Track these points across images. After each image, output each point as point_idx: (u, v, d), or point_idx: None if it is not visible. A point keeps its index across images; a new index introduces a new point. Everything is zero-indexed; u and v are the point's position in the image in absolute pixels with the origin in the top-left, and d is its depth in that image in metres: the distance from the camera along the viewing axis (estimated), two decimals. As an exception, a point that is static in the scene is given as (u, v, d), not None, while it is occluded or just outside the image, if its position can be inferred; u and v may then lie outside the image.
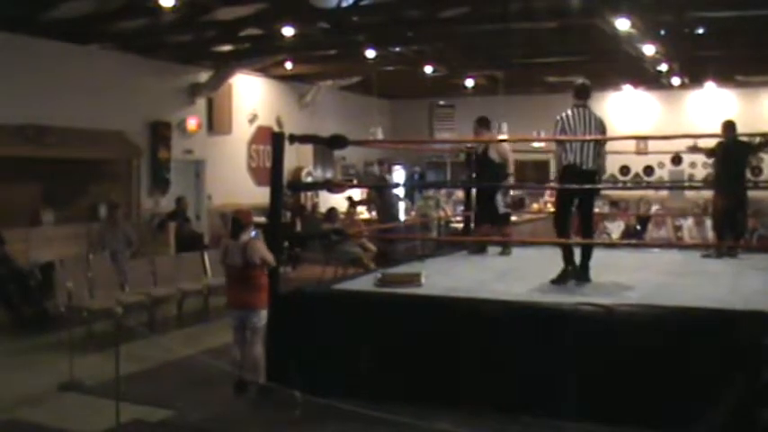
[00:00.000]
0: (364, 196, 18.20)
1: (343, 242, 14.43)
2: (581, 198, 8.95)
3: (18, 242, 12.94)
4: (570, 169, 8.63)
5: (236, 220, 8.85)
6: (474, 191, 12.72)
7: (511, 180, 12.21)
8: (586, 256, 8.85)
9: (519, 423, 7.35)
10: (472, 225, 12.77)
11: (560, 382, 7.41)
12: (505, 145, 11.83)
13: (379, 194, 16.60)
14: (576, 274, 8.77)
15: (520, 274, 9.89)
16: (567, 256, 8.82)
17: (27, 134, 13.23)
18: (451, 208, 18.80)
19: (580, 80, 9.17)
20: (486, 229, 11.85)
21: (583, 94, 8.90)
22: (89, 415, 7.94)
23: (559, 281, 8.72)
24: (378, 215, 15.93)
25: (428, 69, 18.48)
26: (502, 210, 11.79)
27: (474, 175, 12.31)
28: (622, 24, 12.69)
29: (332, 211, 16.75)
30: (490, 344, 7.75)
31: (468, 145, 13.15)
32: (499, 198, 11.77)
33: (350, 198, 17.87)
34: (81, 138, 14.13)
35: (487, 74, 20.07)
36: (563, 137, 8.70)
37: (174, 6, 12.34)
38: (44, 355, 10.55)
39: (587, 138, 8.69)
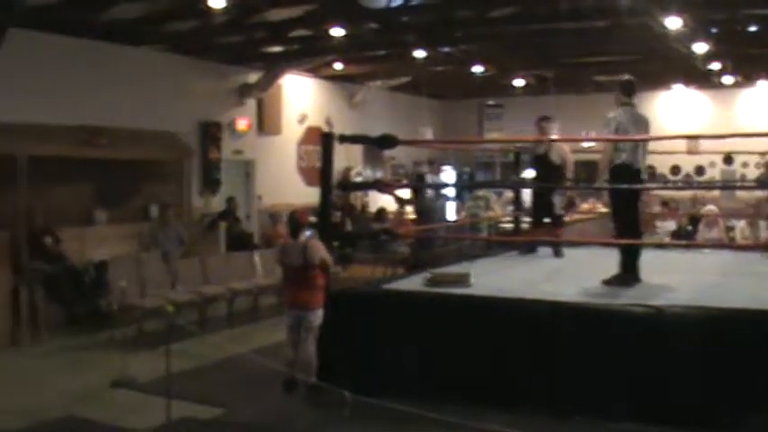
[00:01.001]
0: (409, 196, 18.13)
1: (392, 242, 14.43)
2: (632, 197, 8.87)
3: (72, 241, 13.11)
4: (622, 168, 8.54)
5: (295, 221, 8.87)
6: (529, 191, 12.65)
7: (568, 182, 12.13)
8: (635, 256, 8.75)
9: (569, 424, 7.31)
10: (525, 225, 12.71)
11: (610, 384, 7.35)
12: (566, 147, 11.68)
13: (417, 195, 16.50)
14: (631, 277, 8.67)
15: (569, 274, 9.83)
16: (626, 258, 8.71)
17: (81, 135, 13.38)
18: (501, 208, 18.70)
19: (626, 77, 9.06)
20: (542, 230, 11.78)
21: (631, 92, 8.81)
22: (141, 412, 8.02)
23: (613, 282, 8.61)
24: (417, 216, 15.82)
25: (477, 69, 18.41)
26: (558, 211, 11.74)
27: (533, 176, 12.19)
28: (673, 23, 12.53)
29: (381, 210, 16.78)
30: (539, 344, 7.71)
31: (518, 144, 13.07)
32: (557, 200, 11.72)
33: (397, 197, 17.84)
34: (133, 138, 14.27)
35: (537, 73, 19.96)
36: (618, 137, 8.59)
37: (224, 8, 12.44)
38: (97, 353, 10.69)
39: (643, 137, 8.62)
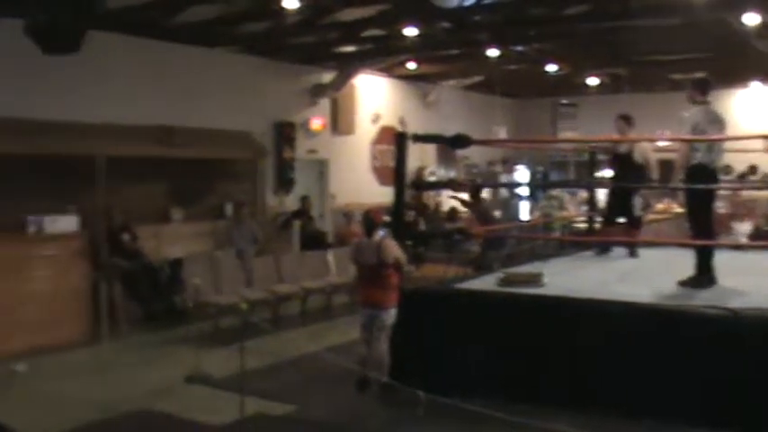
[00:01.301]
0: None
1: (465, 241, 14.37)
2: (710, 197, 8.71)
3: (149, 239, 13.31)
4: (698, 169, 8.39)
5: (369, 220, 8.89)
6: (605, 191, 12.47)
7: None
8: (710, 257, 8.59)
9: (641, 427, 7.22)
10: (598, 225, 12.56)
11: (683, 387, 7.24)
12: (649, 146, 11.46)
13: (474, 196, 16.30)
14: (707, 278, 8.52)
15: (643, 275, 9.69)
16: (701, 260, 8.56)
17: (157, 135, 13.57)
18: (575, 208, 18.52)
19: (700, 75, 8.89)
20: (616, 230, 11.61)
21: (706, 90, 8.65)
22: (214, 407, 8.11)
23: (688, 284, 8.47)
24: (477, 219, 15.62)
25: (551, 68, 18.26)
26: (638, 213, 11.55)
27: (612, 175, 11.95)
28: (750, 19, 12.27)
29: (454, 210, 16.71)
30: (611, 345, 7.61)
31: (593, 143, 12.91)
32: (637, 201, 11.54)
33: (459, 199, 17.74)
34: (208, 138, 14.43)
35: (610, 72, 19.71)
36: (694, 136, 8.44)
37: (298, 8, 12.52)
38: (173, 349, 10.85)
39: (720, 137, 8.47)
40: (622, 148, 11.15)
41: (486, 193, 19.35)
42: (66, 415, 7.94)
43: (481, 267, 12.37)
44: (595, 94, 21.71)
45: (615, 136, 11.57)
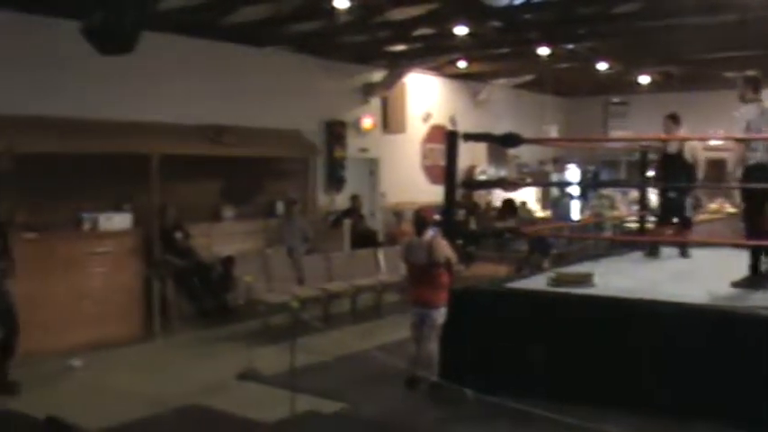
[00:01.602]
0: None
1: (516, 240, 14.33)
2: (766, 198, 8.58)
3: (201, 237, 13.43)
4: (756, 168, 8.27)
5: (420, 219, 8.90)
6: (656, 191, 12.34)
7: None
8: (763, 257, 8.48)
9: (692, 429, 7.14)
10: (650, 225, 12.43)
11: (736, 389, 7.15)
12: (699, 145, 11.30)
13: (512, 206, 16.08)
14: (762, 279, 8.41)
15: (696, 275, 9.60)
16: (756, 260, 8.45)
17: (208, 134, 13.69)
18: (626, 208, 18.35)
19: (751, 73, 8.75)
20: (667, 230, 11.47)
21: (759, 88, 8.53)
22: (265, 404, 8.18)
23: (743, 284, 8.36)
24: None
25: (602, 66, 18.12)
26: (689, 213, 11.40)
27: (659, 175, 11.76)
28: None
29: (507, 208, 16.64)
30: (663, 346, 7.55)
31: (645, 142, 12.77)
32: (688, 201, 11.40)
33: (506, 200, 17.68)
34: (259, 137, 14.52)
35: (662, 70, 19.50)
36: (748, 135, 8.32)
37: (348, 8, 12.56)
38: (224, 346, 10.96)
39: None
40: (671, 148, 10.99)
41: (536, 193, 19.31)
42: (120, 409, 8.05)
43: (525, 267, 12.31)
44: (647, 93, 21.48)
45: (662, 135, 11.42)
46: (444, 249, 8.59)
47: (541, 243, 14.56)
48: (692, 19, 12.97)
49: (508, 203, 17.38)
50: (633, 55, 17.50)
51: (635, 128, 22.16)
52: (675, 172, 10.91)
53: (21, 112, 11.05)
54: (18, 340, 9.04)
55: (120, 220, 11.60)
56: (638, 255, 11.44)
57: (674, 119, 11.09)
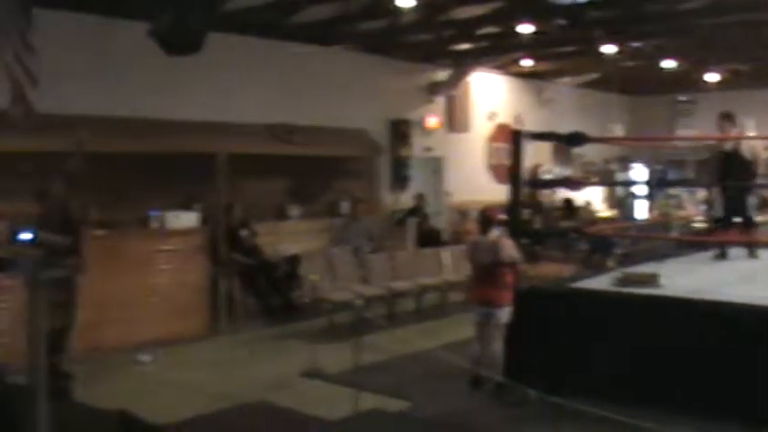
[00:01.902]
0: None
1: (581, 240, 14.23)
2: None
3: (267, 235, 13.55)
4: None
5: (486, 218, 8.89)
6: (719, 191, 12.10)
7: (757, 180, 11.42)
8: None
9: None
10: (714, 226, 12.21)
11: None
12: (758, 143, 11.07)
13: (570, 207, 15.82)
14: None
15: (765, 276, 9.42)
16: None
17: (275, 133, 13.81)
18: (693, 207, 18.08)
19: None
20: (733, 233, 11.21)
21: None
22: (329, 402, 8.21)
23: None
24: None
25: (668, 64, 17.88)
26: (750, 212, 11.15)
27: (717, 174, 11.50)
28: None
29: (569, 206, 16.54)
30: (732, 349, 7.42)
31: (711, 142, 12.54)
32: (751, 200, 11.15)
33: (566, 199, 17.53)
34: (325, 136, 14.60)
35: (731, 68, 19.18)
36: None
37: (413, 7, 12.58)
38: (289, 343, 11.04)
39: None
40: (728, 146, 10.75)
41: (602, 192, 19.13)
42: (187, 404, 8.17)
43: (586, 268, 12.20)
44: (715, 91, 21.15)
45: (730, 134, 11.15)
46: (509, 249, 8.56)
47: (603, 243, 14.41)
48: (761, 15, 12.74)
49: (567, 203, 17.26)
50: (700, 52, 17.25)
51: (702, 126, 21.77)
52: (733, 170, 10.66)
53: (93, 112, 11.27)
54: (72, 336, 9.18)
55: (187, 219, 11.75)
56: (705, 255, 11.24)
57: (728, 117, 10.83)
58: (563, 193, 18.00)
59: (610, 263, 13.59)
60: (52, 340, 8.25)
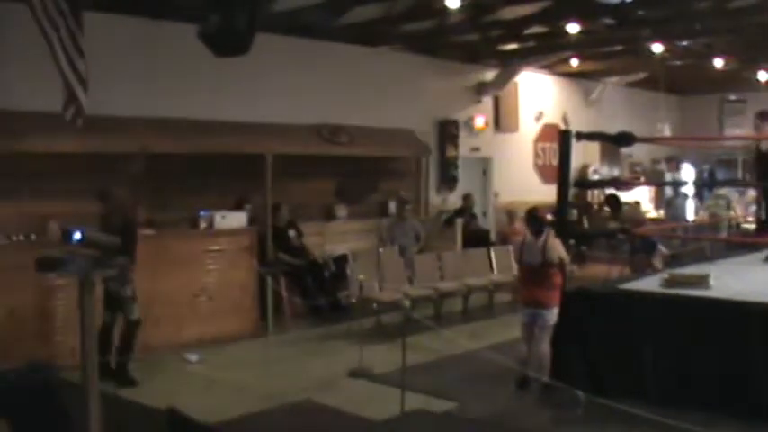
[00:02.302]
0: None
1: (628, 241, 14.11)
2: None
3: (314, 235, 13.61)
4: None
5: (537, 219, 8.87)
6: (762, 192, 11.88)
7: None
8: None
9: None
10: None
11: None
12: None
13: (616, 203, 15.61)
14: None
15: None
16: None
17: (322, 133, 13.87)
18: (743, 208, 17.82)
19: None
20: None
21: None
22: (376, 401, 8.24)
23: None
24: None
25: (718, 63, 17.68)
26: None
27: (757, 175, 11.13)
28: None
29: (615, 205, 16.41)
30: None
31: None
32: None
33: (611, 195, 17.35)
34: (372, 136, 14.63)
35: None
36: None
37: (460, 7, 12.56)
38: (336, 343, 11.07)
39: None
40: (765, 146, 10.44)
41: (650, 192, 18.94)
42: (235, 403, 8.23)
43: (630, 269, 12.08)
44: (766, 90, 20.85)
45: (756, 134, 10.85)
46: (558, 249, 8.53)
47: (646, 243, 14.25)
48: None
49: (611, 199, 17.11)
50: (750, 51, 17.04)
51: (752, 126, 21.56)
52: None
53: (143, 114, 11.43)
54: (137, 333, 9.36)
55: (234, 219, 11.80)
56: (756, 257, 11.06)
57: (762, 117, 10.52)
58: (608, 191, 17.83)
59: (656, 263, 13.45)
60: (127, 334, 9.21)
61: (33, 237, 10.20)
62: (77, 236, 3.53)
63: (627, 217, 16.22)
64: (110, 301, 9.06)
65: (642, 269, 12.55)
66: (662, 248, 14.52)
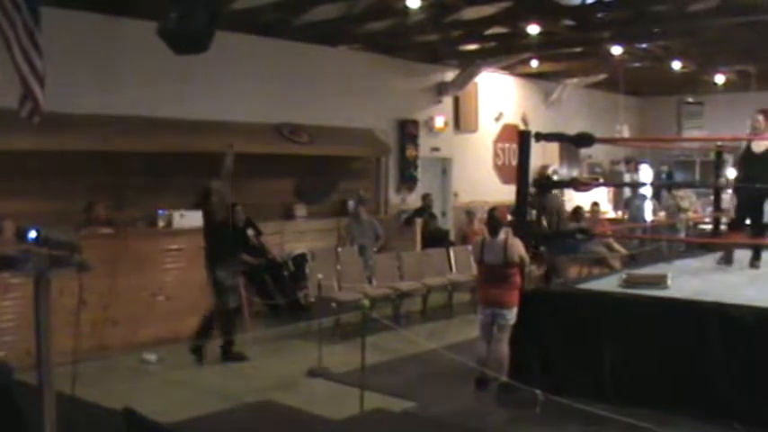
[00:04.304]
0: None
1: (588, 241, 14.20)
2: None
3: (273, 234, 13.56)
4: None
5: (495, 219, 8.94)
6: (731, 192, 11.82)
7: None
8: None
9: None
10: (722, 227, 12.04)
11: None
12: None
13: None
14: None
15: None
16: None
17: (282, 132, 13.83)
18: (700, 209, 17.99)
19: None
20: (742, 236, 10.67)
21: None
22: (335, 401, 8.25)
23: None
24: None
25: (676, 65, 17.86)
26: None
27: (739, 175, 10.90)
28: None
29: (578, 209, 16.51)
30: (739, 353, 7.40)
31: (720, 143, 12.40)
32: None
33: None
34: (332, 135, 14.62)
35: (738, 69, 19.13)
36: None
37: (420, 7, 12.58)
38: (295, 343, 11.07)
39: None
40: (758, 147, 10.16)
41: (609, 193, 19.06)
42: (192, 403, 8.18)
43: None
44: (722, 92, 21.09)
45: (742, 135, 10.74)
46: (519, 249, 8.56)
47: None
48: (769, 16, 12.70)
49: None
50: (709, 54, 17.23)
51: (710, 128, 21.82)
52: (756, 173, 9.97)
53: (100, 111, 11.36)
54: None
55: (193, 218, 11.72)
56: (712, 257, 11.05)
57: (762, 113, 10.26)
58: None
59: (618, 265, 13.55)
60: (230, 318, 10.23)
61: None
62: (32, 234, 3.48)
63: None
64: (218, 291, 10.02)
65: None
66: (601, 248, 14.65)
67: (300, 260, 13.01)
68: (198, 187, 12.26)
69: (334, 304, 11.55)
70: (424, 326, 12.32)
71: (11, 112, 8.51)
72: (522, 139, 9.33)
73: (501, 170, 19.31)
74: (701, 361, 7.56)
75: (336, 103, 14.88)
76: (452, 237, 16.85)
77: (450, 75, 17.88)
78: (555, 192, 13.61)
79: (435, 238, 15.74)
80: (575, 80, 20.98)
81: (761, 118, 10.20)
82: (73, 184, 11.35)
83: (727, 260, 10.57)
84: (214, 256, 10.11)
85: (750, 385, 7.28)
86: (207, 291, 11.46)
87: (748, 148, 10.16)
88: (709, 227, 13.89)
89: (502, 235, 8.67)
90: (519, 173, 9.29)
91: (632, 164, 22.83)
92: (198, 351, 10.10)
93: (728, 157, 12.91)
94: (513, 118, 19.73)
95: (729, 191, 12.47)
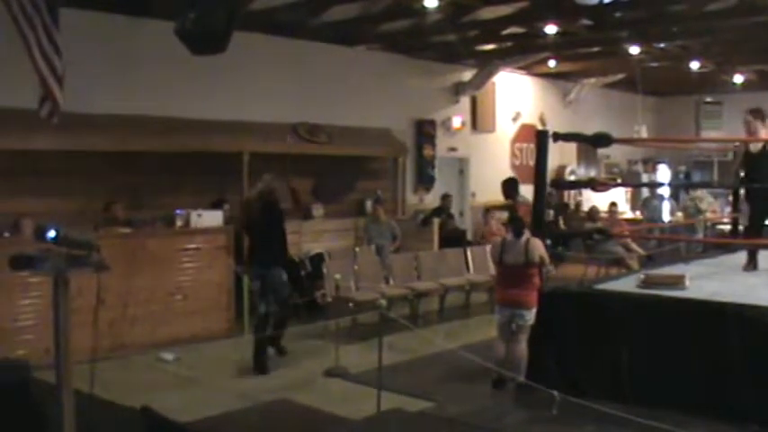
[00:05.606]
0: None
1: (605, 241, 14.17)
2: None
3: (291, 234, 13.52)
4: None
5: (517, 219, 8.90)
6: (743, 193, 11.67)
7: None
8: None
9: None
10: (740, 228, 11.92)
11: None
12: None
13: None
14: None
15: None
16: None
17: (300, 132, 13.84)
18: (719, 209, 17.89)
19: None
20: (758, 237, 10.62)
21: None
22: (352, 401, 8.24)
23: None
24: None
25: (694, 65, 17.78)
26: None
27: (743, 175, 10.81)
28: None
29: (594, 209, 16.48)
30: (757, 353, 7.35)
31: (737, 144, 12.31)
32: None
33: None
34: (350, 135, 14.62)
35: (757, 68, 19.04)
36: None
37: (438, 7, 12.57)
38: (312, 342, 11.05)
39: None
40: (754, 146, 10.06)
41: (627, 193, 19.00)
42: (210, 402, 8.20)
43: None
44: (741, 92, 20.98)
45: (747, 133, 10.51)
46: (540, 249, 8.54)
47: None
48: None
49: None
50: (727, 53, 17.15)
51: (728, 128, 21.66)
52: (760, 172, 9.84)
53: (119, 111, 11.39)
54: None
55: (210, 218, 11.76)
56: (730, 258, 11.00)
57: (758, 114, 9.90)
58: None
59: (635, 265, 13.49)
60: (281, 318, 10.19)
61: (7, 234, 10.12)
62: (51, 233, 3.50)
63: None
64: (265, 291, 9.99)
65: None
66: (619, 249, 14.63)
67: (317, 260, 13.01)
68: (215, 186, 12.36)
69: (351, 304, 11.55)
70: (441, 326, 12.31)
71: (30, 112, 8.57)
72: (540, 139, 9.31)
73: (518, 170, 19.26)
74: (719, 362, 7.52)
75: (354, 103, 14.89)
76: (469, 237, 16.83)
77: (467, 75, 17.87)
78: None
79: (452, 238, 15.72)
80: (592, 80, 20.92)
81: (751, 118, 9.95)
82: (91, 184, 11.41)
83: (754, 266, 10.20)
84: (274, 252, 10.33)
85: (765, 385, 7.24)
86: (225, 290, 11.55)
87: (748, 148, 10.08)
88: (728, 227, 13.78)
89: (524, 235, 8.64)
90: (536, 173, 9.26)
91: (650, 164, 22.76)
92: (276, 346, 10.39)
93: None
94: (530, 118, 19.71)
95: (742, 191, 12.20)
